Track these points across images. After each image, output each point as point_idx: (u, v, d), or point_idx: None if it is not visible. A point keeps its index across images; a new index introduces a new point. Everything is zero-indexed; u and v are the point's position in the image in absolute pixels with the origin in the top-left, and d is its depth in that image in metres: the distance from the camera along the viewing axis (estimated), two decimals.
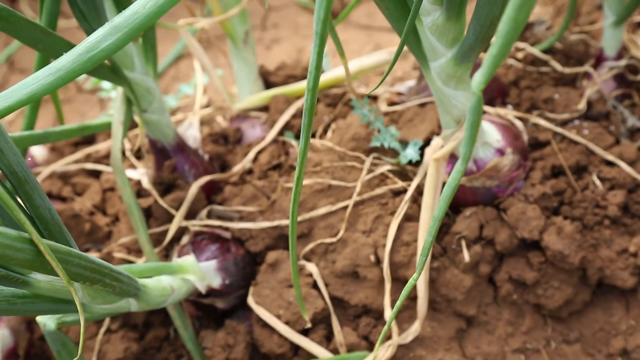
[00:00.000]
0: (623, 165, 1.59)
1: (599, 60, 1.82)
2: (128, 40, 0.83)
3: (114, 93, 2.43)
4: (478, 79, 0.70)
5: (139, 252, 1.73)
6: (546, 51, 1.93)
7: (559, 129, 1.67)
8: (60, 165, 2.06)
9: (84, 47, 0.85)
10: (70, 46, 1.27)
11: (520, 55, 1.93)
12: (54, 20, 1.35)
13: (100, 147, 2.12)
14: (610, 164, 1.63)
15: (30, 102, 0.88)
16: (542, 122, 1.68)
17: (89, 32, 1.41)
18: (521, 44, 1.95)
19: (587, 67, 1.84)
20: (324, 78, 1.98)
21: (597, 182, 1.59)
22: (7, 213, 0.98)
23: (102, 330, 1.66)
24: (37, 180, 1.00)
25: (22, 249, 0.90)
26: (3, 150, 0.91)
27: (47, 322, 1.25)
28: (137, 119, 1.65)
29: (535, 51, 1.89)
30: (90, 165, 2.04)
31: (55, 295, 1.10)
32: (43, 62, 1.49)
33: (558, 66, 1.85)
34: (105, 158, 2.09)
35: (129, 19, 0.84)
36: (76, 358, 1.01)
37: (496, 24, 1.13)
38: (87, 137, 2.23)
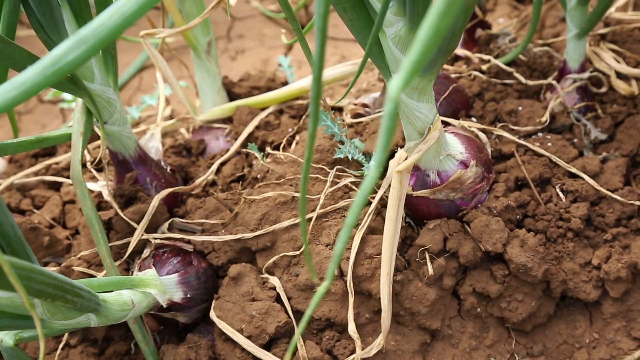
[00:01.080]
0: (586, 177, 1.60)
1: (562, 73, 1.83)
2: (94, 52, 0.81)
3: (75, 104, 2.41)
4: (395, 85, 0.67)
5: (99, 266, 1.70)
6: (510, 63, 1.94)
7: (522, 142, 1.67)
8: (19, 177, 2.03)
9: (48, 60, 0.82)
10: (29, 56, 1.25)
11: (484, 67, 1.93)
12: (12, 30, 1.33)
13: (60, 159, 2.09)
14: (573, 176, 1.63)
15: None
16: (506, 135, 1.68)
17: (47, 43, 1.39)
18: (485, 56, 1.95)
19: (550, 80, 1.84)
20: (288, 89, 1.98)
21: (561, 194, 1.59)
22: None
23: (61, 345, 1.63)
24: (1, 197, 0.98)
25: None
26: None
27: (4, 338, 1.22)
28: (97, 130, 1.62)
29: (500, 63, 1.90)
30: (50, 178, 2.01)
31: (15, 311, 1.08)
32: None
33: (522, 78, 1.86)
34: (65, 170, 2.06)
35: (95, 31, 0.82)
36: None
37: (458, 36, 1.13)
38: (47, 149, 2.20)
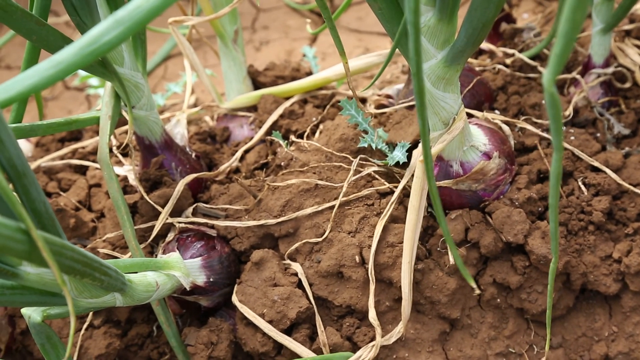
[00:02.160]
0: (608, 171, 1.60)
1: (586, 68, 1.83)
2: (130, 34, 0.83)
3: (101, 90, 2.43)
4: (548, 77, 0.78)
5: (123, 249, 1.72)
6: (534, 57, 1.94)
7: (545, 135, 1.68)
8: (46, 161, 2.06)
9: (86, 40, 0.84)
10: (63, 38, 1.27)
11: (508, 61, 1.94)
12: (45, 12, 1.36)
13: (86, 143, 2.11)
14: (595, 170, 1.64)
15: (31, 93, 0.88)
16: (529, 127, 1.69)
17: (79, 26, 1.41)
18: (510, 50, 1.96)
19: (574, 74, 1.85)
20: (313, 79, 1.99)
21: (583, 187, 1.60)
22: (3, 204, 0.98)
23: (85, 325, 1.65)
24: (34, 174, 1.00)
25: (21, 240, 0.90)
26: (4, 142, 0.91)
27: (32, 314, 1.24)
28: (125, 114, 1.64)
29: (524, 57, 1.90)
30: (76, 161, 2.03)
31: (43, 287, 1.10)
32: (32, 56, 1.49)
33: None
34: (91, 154, 2.08)
35: (132, 12, 0.83)
36: (66, 354, 1.01)
37: (488, 27, 1.14)
38: (74, 133, 2.22)
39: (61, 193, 1.95)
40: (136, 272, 1.40)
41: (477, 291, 1.51)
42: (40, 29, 1.21)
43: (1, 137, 0.91)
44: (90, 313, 1.66)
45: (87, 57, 0.87)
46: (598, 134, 1.74)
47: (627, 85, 1.83)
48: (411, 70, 0.87)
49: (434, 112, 1.40)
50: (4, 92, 0.90)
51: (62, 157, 2.09)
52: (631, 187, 1.58)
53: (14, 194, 0.91)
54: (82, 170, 2.05)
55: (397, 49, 1.31)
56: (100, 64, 1.45)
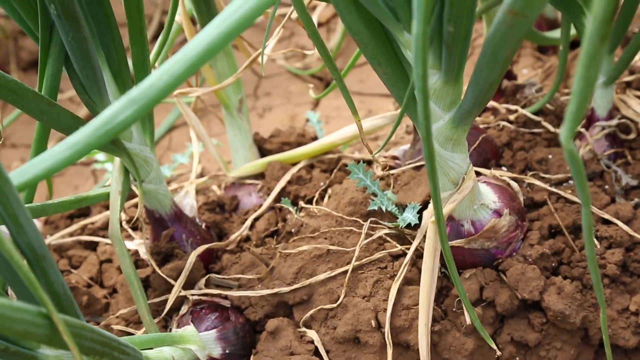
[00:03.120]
0: (620, 223, 1.60)
1: (590, 121, 1.84)
2: (144, 112, 0.84)
3: (108, 165, 2.45)
4: (565, 134, 0.82)
5: (137, 324, 1.72)
6: (537, 113, 1.95)
7: (554, 189, 1.68)
8: (55, 238, 2.06)
9: (100, 120, 0.85)
10: (73, 118, 1.28)
11: (512, 117, 1.95)
12: (54, 93, 1.37)
13: (95, 218, 2.12)
14: (606, 222, 1.64)
15: (47, 176, 0.89)
16: (537, 183, 1.69)
17: (88, 104, 1.43)
18: (512, 106, 1.97)
19: (579, 128, 1.86)
20: (319, 144, 2.00)
21: (595, 241, 1.60)
22: (22, 288, 0.98)
23: None
24: (52, 257, 1.01)
25: (42, 324, 0.90)
26: (23, 227, 0.92)
27: None
28: (135, 189, 1.65)
29: (527, 113, 1.91)
30: (86, 237, 2.03)
31: None
32: (42, 136, 1.50)
33: (550, 127, 1.87)
34: (101, 230, 2.09)
35: (145, 91, 0.85)
36: None
37: (494, 87, 1.15)
38: (82, 209, 2.23)
39: (72, 270, 1.95)
40: (152, 348, 1.39)
41: (498, 352, 1.50)
42: (51, 109, 1.22)
43: (20, 221, 0.92)
44: None
45: (101, 138, 0.88)
46: (606, 186, 1.74)
47: (632, 136, 1.84)
48: (421, 134, 0.88)
49: (443, 172, 1.41)
50: (20, 176, 0.91)
51: (71, 234, 2.09)
52: None
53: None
54: (92, 246, 2.06)
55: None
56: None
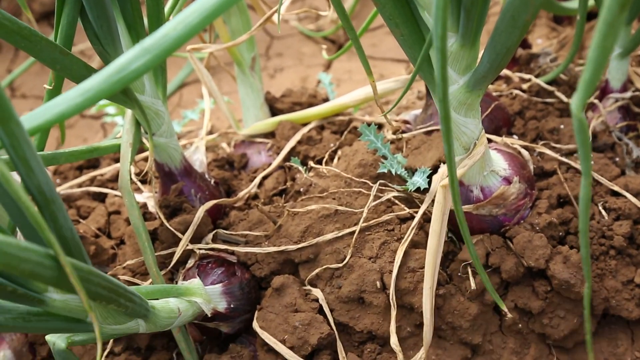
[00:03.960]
0: (629, 196, 1.60)
1: (604, 92, 1.83)
2: (158, 62, 0.84)
3: (118, 118, 2.45)
4: (576, 102, 0.81)
5: (143, 275, 1.73)
6: (551, 82, 1.95)
7: (564, 159, 1.68)
8: (64, 188, 2.07)
9: (113, 68, 0.85)
10: (86, 67, 1.28)
11: (525, 86, 1.94)
12: (69, 42, 1.37)
13: (104, 170, 2.12)
14: (615, 194, 1.64)
15: (59, 121, 0.89)
16: (548, 152, 1.69)
17: (102, 55, 1.43)
18: (526, 75, 1.96)
19: (592, 99, 1.85)
20: (330, 105, 2.00)
21: (603, 212, 1.60)
22: (31, 230, 0.99)
23: (105, 353, 1.65)
24: (62, 201, 1.01)
25: (49, 266, 0.90)
26: (34, 170, 0.92)
27: (56, 341, 1.24)
28: (146, 141, 1.65)
29: (541, 82, 1.91)
30: (95, 189, 2.04)
31: (69, 314, 1.10)
32: (55, 84, 1.50)
33: (563, 97, 1.87)
34: (110, 182, 2.09)
35: (159, 41, 0.84)
36: None
37: (512, 52, 1.15)
38: (91, 161, 2.24)
39: (80, 220, 1.96)
40: (158, 299, 1.40)
41: (509, 315, 1.51)
42: (64, 58, 1.22)
43: (31, 165, 0.92)
44: (111, 340, 1.66)
45: (114, 85, 0.87)
46: (617, 159, 1.74)
47: None
48: (437, 96, 0.88)
49: (455, 137, 1.41)
50: (32, 120, 0.91)
51: (80, 185, 2.10)
52: None
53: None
54: (100, 197, 2.06)
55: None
56: (122, 92, 1.46)
